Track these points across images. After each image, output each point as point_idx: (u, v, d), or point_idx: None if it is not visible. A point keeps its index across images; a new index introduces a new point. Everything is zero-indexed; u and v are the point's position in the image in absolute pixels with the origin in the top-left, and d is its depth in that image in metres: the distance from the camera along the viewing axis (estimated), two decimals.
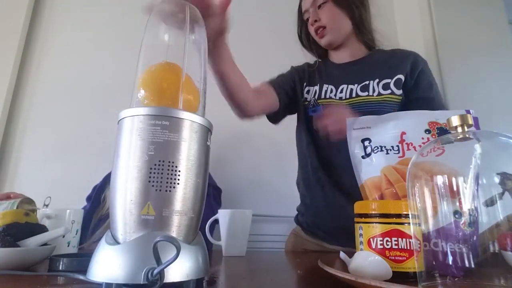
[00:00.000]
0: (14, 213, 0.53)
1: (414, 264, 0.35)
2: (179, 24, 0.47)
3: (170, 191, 0.31)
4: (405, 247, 0.36)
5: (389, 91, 0.77)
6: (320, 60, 0.96)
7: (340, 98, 0.82)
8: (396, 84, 0.78)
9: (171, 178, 0.31)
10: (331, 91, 0.84)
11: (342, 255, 0.40)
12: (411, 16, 1.39)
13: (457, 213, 0.29)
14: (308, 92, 0.88)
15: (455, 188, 0.29)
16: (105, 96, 1.38)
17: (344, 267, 0.38)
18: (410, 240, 0.36)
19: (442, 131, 0.48)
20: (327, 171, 0.81)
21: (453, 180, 0.29)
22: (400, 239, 0.37)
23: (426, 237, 0.30)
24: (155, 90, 0.37)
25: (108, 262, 0.29)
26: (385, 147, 0.50)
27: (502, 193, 0.28)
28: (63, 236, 0.56)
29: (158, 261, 0.27)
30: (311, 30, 0.88)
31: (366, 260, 0.36)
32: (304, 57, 0.98)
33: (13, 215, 0.51)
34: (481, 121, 0.47)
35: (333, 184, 0.79)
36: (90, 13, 1.52)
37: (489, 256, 0.28)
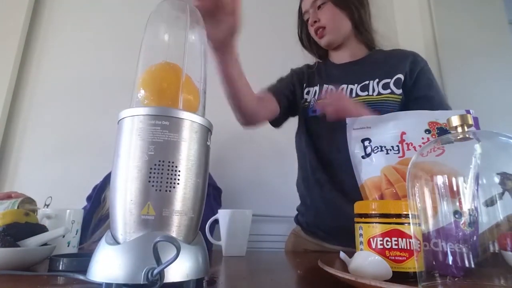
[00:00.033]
0: (14, 213, 0.53)
1: (414, 264, 0.35)
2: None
3: (170, 191, 0.31)
4: (405, 247, 0.36)
5: (388, 91, 0.77)
6: (320, 61, 0.96)
7: None
8: (396, 83, 0.78)
9: (171, 178, 0.31)
10: (331, 91, 0.84)
11: (342, 255, 0.40)
12: (411, 16, 1.39)
13: (457, 213, 0.29)
14: (308, 93, 0.89)
15: (455, 188, 0.29)
16: (105, 96, 1.38)
17: (344, 267, 0.38)
18: (410, 240, 0.36)
19: (442, 131, 0.48)
20: (326, 172, 0.81)
21: (453, 180, 0.29)
22: (400, 239, 0.37)
23: (426, 237, 0.30)
24: (155, 90, 0.37)
25: (108, 262, 0.29)
26: (385, 147, 0.51)
27: (502, 193, 0.28)
28: (63, 236, 0.56)
29: (158, 261, 0.27)
30: (311, 30, 0.88)
31: (366, 260, 0.36)
32: (304, 58, 0.98)
33: (13, 215, 0.51)
34: (481, 121, 0.47)
35: (332, 184, 0.79)
36: (90, 13, 1.52)
37: (489, 256, 0.28)
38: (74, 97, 1.40)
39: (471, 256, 0.28)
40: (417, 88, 0.77)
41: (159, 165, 0.31)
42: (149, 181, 0.30)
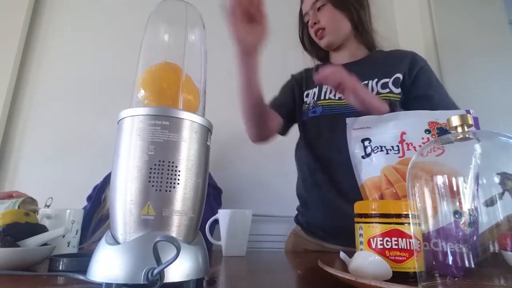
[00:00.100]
0: (14, 213, 0.53)
1: (414, 264, 0.35)
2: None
3: (170, 191, 0.31)
4: (405, 247, 0.36)
5: (387, 90, 0.78)
6: (321, 63, 0.96)
7: (340, 98, 0.82)
8: (395, 83, 0.78)
9: (171, 178, 0.31)
10: (331, 92, 0.85)
11: (342, 255, 0.40)
12: (411, 16, 1.39)
13: (457, 213, 0.29)
14: (307, 95, 0.90)
15: (455, 188, 0.29)
16: (105, 96, 1.38)
17: (344, 267, 0.38)
18: (410, 240, 0.36)
19: (442, 131, 0.48)
20: (325, 172, 0.81)
21: (453, 180, 0.29)
22: (400, 239, 0.37)
23: (426, 237, 0.30)
24: (155, 90, 0.38)
25: (108, 262, 0.29)
26: (385, 147, 0.51)
27: (502, 193, 0.28)
28: (63, 236, 0.56)
29: (158, 261, 0.27)
30: (311, 32, 0.89)
31: (366, 260, 0.36)
32: (304, 61, 0.99)
33: (13, 215, 0.51)
34: (481, 121, 0.47)
35: (331, 184, 0.79)
36: (90, 13, 1.52)
37: (489, 256, 0.28)
38: (74, 97, 1.40)
39: (471, 256, 0.28)
40: (416, 87, 0.77)
41: (159, 165, 0.31)
42: (149, 181, 0.30)
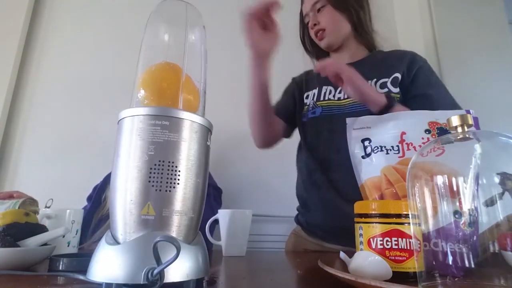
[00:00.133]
0: (14, 213, 0.53)
1: (414, 264, 0.35)
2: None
3: (170, 191, 0.31)
4: (405, 247, 0.36)
5: (385, 90, 0.78)
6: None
7: (339, 99, 0.83)
8: (393, 82, 0.78)
9: (171, 178, 0.31)
10: (330, 92, 0.85)
11: (342, 255, 0.40)
12: (411, 16, 1.39)
13: (457, 213, 0.29)
14: (307, 97, 0.91)
15: (455, 188, 0.29)
16: (105, 96, 1.38)
17: (344, 267, 0.38)
18: (410, 240, 0.36)
19: (442, 131, 0.48)
20: (324, 172, 0.81)
21: (453, 180, 0.29)
22: (400, 239, 0.37)
23: (426, 237, 0.30)
24: (155, 90, 0.38)
25: (108, 262, 0.29)
26: (385, 147, 0.51)
27: (502, 193, 0.28)
28: (63, 236, 0.56)
29: (158, 261, 0.27)
30: (311, 33, 0.90)
31: (366, 260, 0.36)
32: (304, 62, 0.99)
33: (13, 215, 0.51)
34: (481, 121, 0.47)
35: (330, 185, 0.79)
36: (90, 13, 1.52)
37: (489, 256, 0.28)
38: (74, 97, 1.40)
39: (471, 256, 0.28)
40: (415, 86, 0.77)
41: (159, 165, 0.31)
42: (149, 181, 0.30)
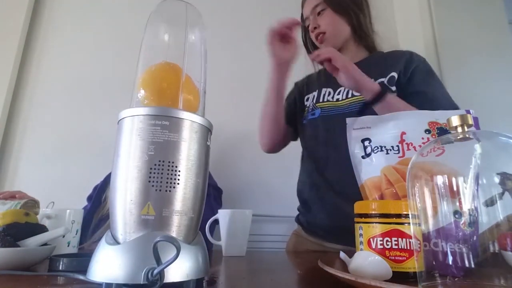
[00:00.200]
0: (14, 213, 0.53)
1: (414, 264, 0.35)
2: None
3: (170, 191, 0.31)
4: (405, 247, 0.36)
5: None
6: (323, 66, 0.97)
7: (337, 100, 0.84)
8: (390, 81, 0.78)
9: (171, 178, 0.31)
10: (329, 94, 0.86)
11: (342, 255, 0.40)
12: (411, 16, 1.39)
13: (457, 213, 0.29)
14: (307, 99, 0.92)
15: (455, 188, 0.29)
16: (105, 96, 1.38)
17: (344, 267, 0.38)
18: (410, 240, 0.36)
19: (442, 131, 0.48)
20: (323, 172, 0.82)
21: (453, 180, 0.29)
22: (400, 239, 0.37)
23: (426, 237, 0.30)
24: (155, 90, 0.38)
25: (108, 262, 0.29)
26: (385, 147, 0.50)
27: (502, 193, 0.28)
28: (63, 236, 0.56)
29: (158, 261, 0.27)
30: (312, 36, 0.90)
31: (366, 260, 0.36)
32: (305, 65, 0.99)
33: (13, 215, 0.51)
34: (481, 121, 0.47)
35: (330, 184, 0.79)
36: (90, 13, 1.52)
37: (489, 256, 0.28)
38: (74, 97, 1.40)
39: (471, 256, 0.28)
40: (411, 84, 0.78)
41: (159, 165, 0.31)
42: (149, 181, 0.30)
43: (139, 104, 0.37)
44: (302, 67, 0.99)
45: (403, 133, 0.50)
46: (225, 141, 1.33)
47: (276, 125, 0.90)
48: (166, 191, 0.31)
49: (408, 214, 0.36)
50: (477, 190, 0.28)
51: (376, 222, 0.38)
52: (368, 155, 0.52)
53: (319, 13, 0.87)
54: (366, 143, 0.53)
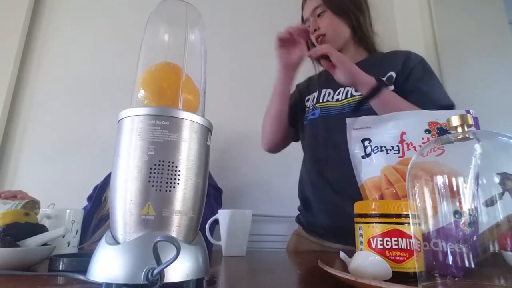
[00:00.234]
0: (14, 213, 0.53)
1: (414, 264, 0.35)
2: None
3: (170, 191, 0.31)
4: (405, 247, 0.36)
5: None
6: (324, 68, 0.97)
7: (337, 100, 0.84)
8: (387, 80, 0.79)
9: (171, 178, 0.31)
10: (329, 95, 0.87)
11: (342, 255, 0.40)
12: (411, 16, 1.39)
13: (457, 213, 0.29)
14: (308, 100, 0.93)
15: (455, 188, 0.29)
16: (105, 96, 1.38)
17: (344, 267, 0.38)
18: (410, 240, 0.36)
19: (442, 131, 0.48)
20: (322, 172, 0.82)
21: (453, 180, 0.29)
22: (400, 239, 0.37)
23: (426, 237, 0.30)
24: (155, 90, 0.38)
25: (108, 262, 0.29)
26: (385, 147, 0.50)
27: (502, 193, 0.28)
28: (63, 236, 0.56)
29: (158, 261, 0.27)
30: (312, 38, 0.90)
31: (366, 260, 0.36)
32: (306, 67, 0.99)
33: (13, 215, 0.51)
34: (481, 121, 0.47)
35: (329, 184, 0.80)
36: (90, 13, 1.52)
37: (489, 256, 0.28)
38: (74, 97, 1.40)
39: (471, 256, 0.28)
40: (408, 82, 0.78)
41: (159, 165, 0.31)
42: (149, 181, 0.30)
43: (139, 104, 0.37)
44: (303, 68, 1.00)
45: (403, 133, 0.50)
46: (225, 141, 1.33)
47: (280, 124, 0.91)
48: (166, 191, 0.31)
49: (408, 214, 0.36)
50: (477, 190, 0.28)
51: (376, 222, 0.38)
52: (368, 155, 0.52)
53: (319, 15, 0.87)
54: (366, 143, 0.53)
